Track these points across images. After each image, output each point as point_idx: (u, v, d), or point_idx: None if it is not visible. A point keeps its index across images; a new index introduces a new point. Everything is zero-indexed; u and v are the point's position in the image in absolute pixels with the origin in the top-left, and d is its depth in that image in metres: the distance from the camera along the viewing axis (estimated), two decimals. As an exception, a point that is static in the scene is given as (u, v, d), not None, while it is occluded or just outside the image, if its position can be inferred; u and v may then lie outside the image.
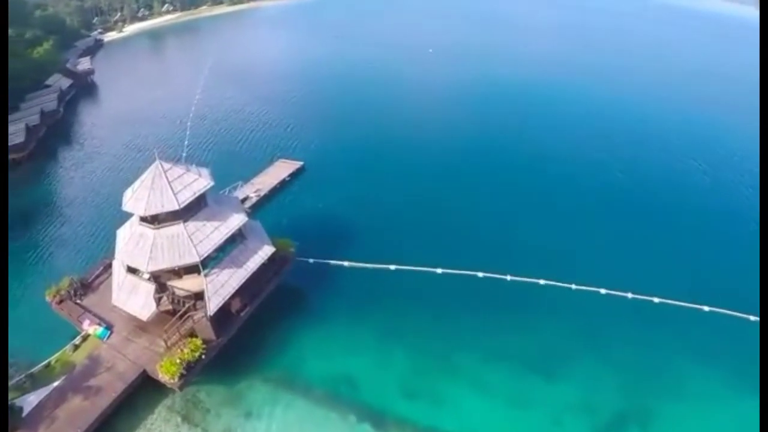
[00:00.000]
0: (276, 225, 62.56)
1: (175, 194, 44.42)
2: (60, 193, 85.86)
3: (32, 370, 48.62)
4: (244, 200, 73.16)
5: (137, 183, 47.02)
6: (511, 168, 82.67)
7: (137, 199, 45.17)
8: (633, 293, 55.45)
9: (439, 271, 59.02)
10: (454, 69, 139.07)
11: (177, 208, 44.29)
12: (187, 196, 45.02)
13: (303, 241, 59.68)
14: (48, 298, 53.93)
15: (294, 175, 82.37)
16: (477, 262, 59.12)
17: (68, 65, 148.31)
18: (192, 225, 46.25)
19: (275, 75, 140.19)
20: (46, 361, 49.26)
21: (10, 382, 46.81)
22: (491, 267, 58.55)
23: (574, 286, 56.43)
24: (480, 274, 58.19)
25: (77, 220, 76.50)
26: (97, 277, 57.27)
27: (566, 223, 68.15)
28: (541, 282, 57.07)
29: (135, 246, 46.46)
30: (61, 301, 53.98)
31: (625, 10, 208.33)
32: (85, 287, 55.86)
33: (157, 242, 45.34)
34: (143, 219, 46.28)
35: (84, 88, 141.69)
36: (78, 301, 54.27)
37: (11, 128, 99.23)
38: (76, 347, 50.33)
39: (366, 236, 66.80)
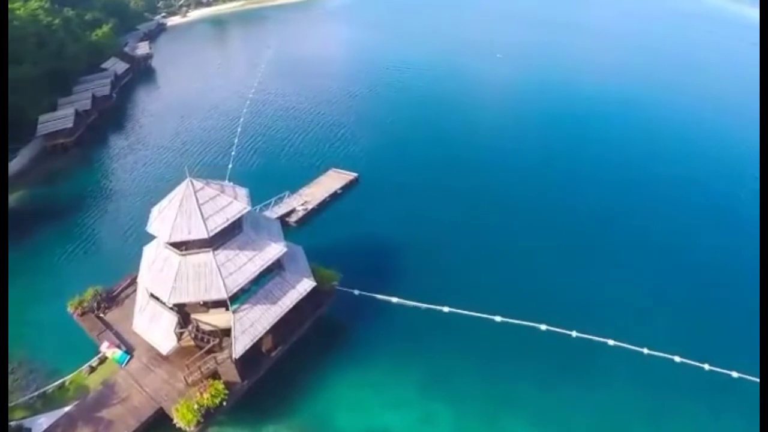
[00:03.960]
0: (320, 247, 56.91)
1: (204, 220, 39.13)
2: (99, 187, 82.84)
3: (45, 389, 45.20)
4: (289, 213, 68.32)
5: (165, 201, 42.03)
6: (592, 209, 72.61)
7: (162, 221, 40.16)
8: (710, 365, 47.80)
9: (498, 319, 52.33)
10: (527, 78, 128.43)
11: (205, 236, 38.93)
12: (218, 223, 39.69)
13: (348, 267, 53.86)
14: (70, 309, 50.24)
15: (346, 188, 76.03)
16: (541, 313, 52.07)
17: (126, 49, 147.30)
18: (222, 254, 40.92)
19: (335, 73, 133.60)
20: (60, 381, 45.64)
21: (23, 398, 44.24)
22: (556, 320, 51.57)
23: (646, 351, 49.14)
24: (543, 327, 51.35)
25: (112, 219, 73.42)
26: (124, 289, 53.20)
27: (647, 277, 59.88)
28: (610, 342, 49.92)
29: (159, 272, 41.62)
30: (83, 314, 50.20)
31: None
32: (110, 300, 51.92)
33: (182, 271, 40.26)
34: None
35: (140, 72, 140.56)
36: (101, 315, 50.35)
37: (61, 112, 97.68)
38: (93, 369, 46.45)
39: (419, 270, 60.10)
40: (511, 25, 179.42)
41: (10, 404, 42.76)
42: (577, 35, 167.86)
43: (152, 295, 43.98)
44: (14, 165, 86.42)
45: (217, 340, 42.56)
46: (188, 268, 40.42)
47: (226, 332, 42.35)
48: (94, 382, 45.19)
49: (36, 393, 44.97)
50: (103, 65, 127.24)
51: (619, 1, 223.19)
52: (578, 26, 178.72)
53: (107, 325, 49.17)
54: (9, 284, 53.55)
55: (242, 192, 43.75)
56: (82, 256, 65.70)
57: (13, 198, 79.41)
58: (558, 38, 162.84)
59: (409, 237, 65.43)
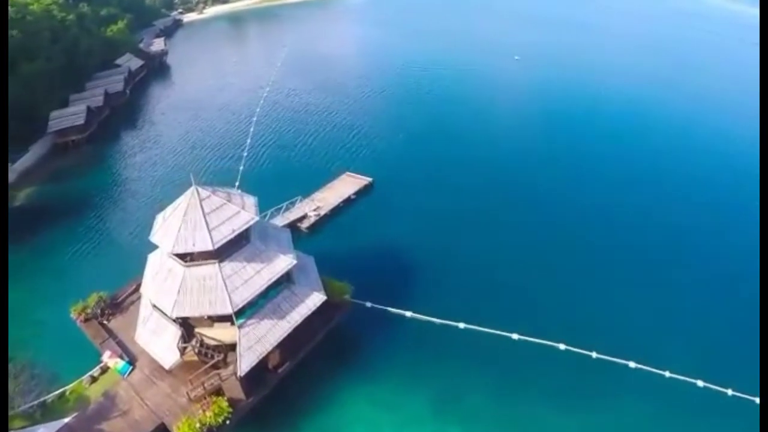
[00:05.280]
0: (331, 255, 55.19)
1: (209, 231, 37.35)
2: (108, 186, 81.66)
3: (45, 398, 43.67)
4: (301, 219, 66.62)
5: (169, 209, 40.34)
6: (612, 222, 69.51)
7: (166, 231, 38.44)
8: (734, 390, 45.47)
9: (515, 336, 50.07)
10: (545, 80, 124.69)
11: (210, 249, 37.08)
12: (223, 235, 37.93)
13: (361, 278, 51.91)
14: (73, 315, 48.72)
15: (360, 194, 73.88)
16: (560, 332, 49.74)
17: (141, 45, 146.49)
18: (228, 267, 39.13)
19: (351, 73, 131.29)
20: (60, 390, 44.18)
21: (23, 406, 42.54)
22: (576, 339, 49.15)
23: (668, 374, 46.75)
24: (561, 347, 49.05)
25: (120, 220, 72.35)
26: (129, 296, 51.59)
27: (671, 295, 57.21)
28: (631, 364, 47.56)
29: (162, 282, 39.95)
30: (86, 320, 48.67)
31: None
32: (114, 306, 50.41)
33: (186, 283, 38.55)
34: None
35: (155, 69, 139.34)
36: (104, 322, 48.74)
37: (72, 109, 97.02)
38: (94, 379, 44.95)
39: (435, 282, 57.85)
40: (525, 26, 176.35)
41: (10, 412, 41.11)
42: (588, 35, 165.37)
43: (155, 306, 42.17)
44: (24, 162, 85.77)
45: (222, 356, 40.86)
46: (192, 280, 38.73)
47: (232, 347, 40.74)
48: (95, 392, 43.67)
49: (36, 402, 43.37)
50: (117, 61, 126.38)
51: (626, 2, 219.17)
52: (588, 26, 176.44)
53: (110, 333, 47.66)
54: (14, 284, 53.14)
55: (250, 201, 41.88)
56: (89, 258, 64.46)
57: (22, 195, 78.95)
58: (569, 38, 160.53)
59: (425, 247, 63.15)
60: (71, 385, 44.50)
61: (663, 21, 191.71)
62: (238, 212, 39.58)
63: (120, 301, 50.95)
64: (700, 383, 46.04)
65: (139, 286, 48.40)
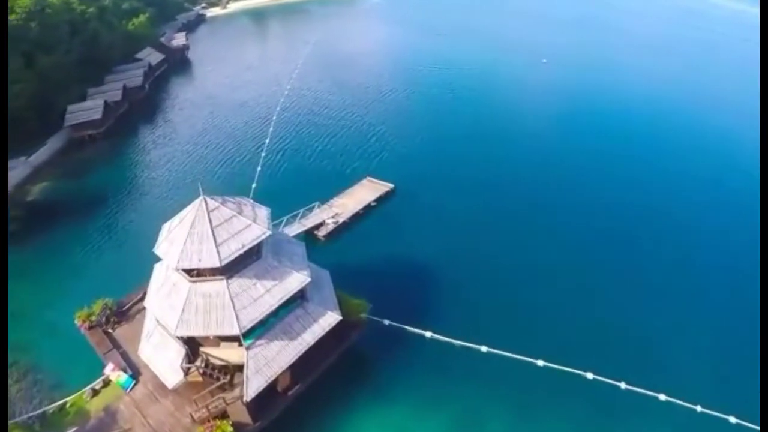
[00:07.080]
0: (348, 267, 53.00)
1: (217, 246, 34.84)
2: (122, 184, 79.67)
3: (45, 409, 42.43)
4: (318, 226, 64.07)
5: (176, 220, 37.92)
6: (649, 241, 64.97)
7: (171, 243, 36.02)
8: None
9: (541, 363, 47.09)
10: (577, 85, 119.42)
11: (217, 265, 34.56)
12: (232, 251, 35.37)
13: (379, 293, 49.45)
14: (77, 322, 46.90)
15: (381, 200, 70.37)
16: (588, 360, 46.68)
17: (163, 39, 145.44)
18: (237, 284, 36.59)
19: (374, 72, 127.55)
20: (61, 402, 42.84)
21: (23, 417, 41.56)
22: (605, 368, 46.11)
23: (699, 408, 43.65)
24: (589, 376, 46.00)
25: (132, 220, 70.58)
26: (135, 303, 49.55)
27: (708, 322, 53.56)
28: (662, 397, 44.39)
29: (166, 297, 37.58)
30: (91, 328, 46.77)
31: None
32: (121, 314, 48.52)
33: (191, 299, 36.13)
34: (179, 266, 36.87)
35: (176, 64, 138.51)
36: (109, 330, 46.91)
37: (90, 103, 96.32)
38: (95, 392, 43.31)
39: (458, 301, 54.51)
40: (548, 26, 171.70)
41: (10, 420, 39.96)
42: (611, 37, 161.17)
43: (159, 322, 39.88)
44: (40, 155, 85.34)
45: (228, 377, 38.41)
46: (198, 297, 36.26)
47: (239, 368, 38.30)
48: (95, 406, 41.97)
49: (35, 413, 42.13)
50: (138, 55, 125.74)
51: (645, 4, 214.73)
52: (609, 28, 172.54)
53: (114, 343, 45.73)
54: (21, 284, 53.34)
55: (262, 213, 39.21)
56: (97, 260, 62.79)
57: (36, 190, 78.54)
58: (592, 39, 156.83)
59: (448, 261, 59.70)
60: (72, 397, 43.09)
61: (677, 22, 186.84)
62: (249, 225, 37.02)
63: (126, 309, 49.16)
64: (733, 419, 43.03)
65: (145, 294, 46.26)
